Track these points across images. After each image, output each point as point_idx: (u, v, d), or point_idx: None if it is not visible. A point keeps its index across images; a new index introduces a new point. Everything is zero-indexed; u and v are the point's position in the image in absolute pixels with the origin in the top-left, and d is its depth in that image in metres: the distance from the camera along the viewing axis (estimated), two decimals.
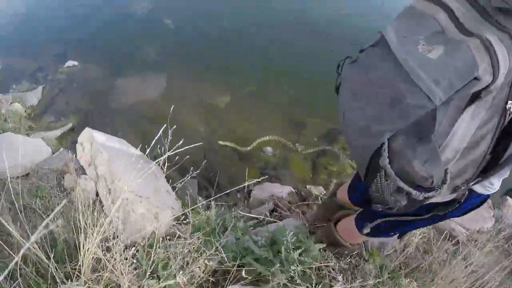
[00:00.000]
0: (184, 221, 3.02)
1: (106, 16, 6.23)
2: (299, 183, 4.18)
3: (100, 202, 3.36)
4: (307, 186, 4.18)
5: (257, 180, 4.10)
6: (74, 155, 4.02)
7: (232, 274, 2.00)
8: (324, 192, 4.10)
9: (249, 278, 1.90)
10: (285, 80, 5.02)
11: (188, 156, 3.06)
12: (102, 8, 6.41)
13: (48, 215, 3.13)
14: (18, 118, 4.57)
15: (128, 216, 3.05)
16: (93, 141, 3.45)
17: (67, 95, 4.88)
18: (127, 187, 3.18)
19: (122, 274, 1.73)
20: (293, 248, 1.82)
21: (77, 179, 3.41)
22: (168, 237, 2.72)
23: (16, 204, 3.20)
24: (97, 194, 3.44)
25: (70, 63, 5.32)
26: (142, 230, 3.06)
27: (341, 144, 4.59)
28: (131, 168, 3.51)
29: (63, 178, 3.68)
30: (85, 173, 3.72)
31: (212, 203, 3.24)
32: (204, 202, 3.16)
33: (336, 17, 6.35)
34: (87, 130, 3.58)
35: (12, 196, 3.20)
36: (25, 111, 4.81)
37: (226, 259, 1.98)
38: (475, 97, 0.95)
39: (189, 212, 3.22)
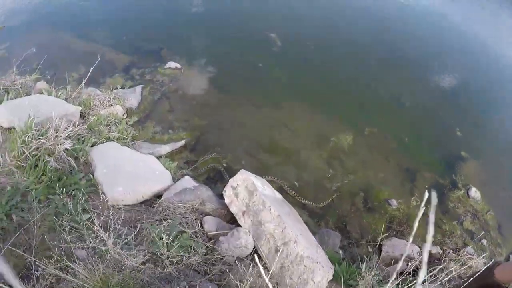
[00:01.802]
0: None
1: (211, 21, 5.58)
2: (418, 240, 4.19)
3: (258, 255, 3.06)
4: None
5: (386, 235, 4.12)
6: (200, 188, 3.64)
7: None
8: (441, 251, 4.22)
9: None
10: (402, 127, 4.85)
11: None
12: (206, 14, 5.71)
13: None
14: (122, 124, 3.99)
15: (304, 285, 2.85)
16: (255, 190, 3.11)
17: (172, 102, 4.34)
18: (303, 251, 2.96)
19: None
20: None
21: (234, 232, 3.07)
22: None
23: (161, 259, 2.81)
24: (254, 249, 3.13)
25: (172, 64, 4.67)
26: None
27: (449, 200, 4.60)
28: (292, 219, 3.25)
29: (202, 221, 3.27)
30: (232, 217, 3.37)
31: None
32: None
33: None
34: (244, 174, 3.22)
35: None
36: (124, 114, 4.21)
37: None
38: None
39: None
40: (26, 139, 3.29)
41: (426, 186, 4.51)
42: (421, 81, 5.71)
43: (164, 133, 4.10)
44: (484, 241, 4.45)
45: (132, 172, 3.58)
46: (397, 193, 4.33)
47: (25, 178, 3.34)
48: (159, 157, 3.89)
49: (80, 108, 3.92)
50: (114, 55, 4.72)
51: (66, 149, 3.48)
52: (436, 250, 4.21)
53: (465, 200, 4.63)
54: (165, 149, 3.99)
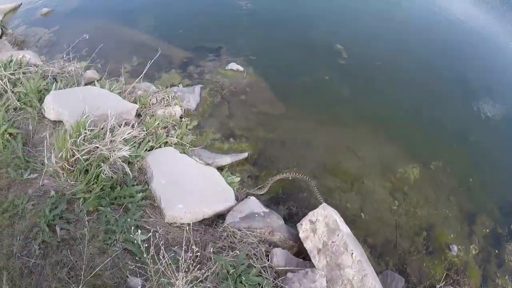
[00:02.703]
0: None
1: (275, 25, 5.26)
2: None
3: None
4: None
5: (443, 283, 3.89)
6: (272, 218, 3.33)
7: None
8: None
9: None
10: (467, 165, 4.63)
11: None
12: (270, 17, 5.39)
13: None
14: (182, 128, 3.63)
15: None
16: (337, 229, 2.84)
17: (232, 107, 4.02)
18: None
19: None
20: None
21: (309, 273, 2.76)
22: None
23: None
24: None
25: (234, 66, 4.33)
26: None
27: (505, 252, 4.39)
28: (366, 261, 2.97)
29: (271, 253, 2.93)
30: (300, 250, 3.07)
31: None
32: None
33: None
34: (327, 209, 2.93)
35: None
36: (181, 115, 3.85)
37: None
38: None
39: None
40: (78, 141, 2.89)
41: (487, 231, 4.28)
42: (489, 116, 5.39)
43: (224, 141, 3.79)
44: None
45: (193, 186, 3.24)
46: (457, 236, 4.13)
47: (71, 183, 2.94)
48: (219, 169, 3.55)
49: (137, 106, 3.55)
50: (170, 49, 4.36)
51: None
52: None
53: None
54: (226, 160, 3.67)
